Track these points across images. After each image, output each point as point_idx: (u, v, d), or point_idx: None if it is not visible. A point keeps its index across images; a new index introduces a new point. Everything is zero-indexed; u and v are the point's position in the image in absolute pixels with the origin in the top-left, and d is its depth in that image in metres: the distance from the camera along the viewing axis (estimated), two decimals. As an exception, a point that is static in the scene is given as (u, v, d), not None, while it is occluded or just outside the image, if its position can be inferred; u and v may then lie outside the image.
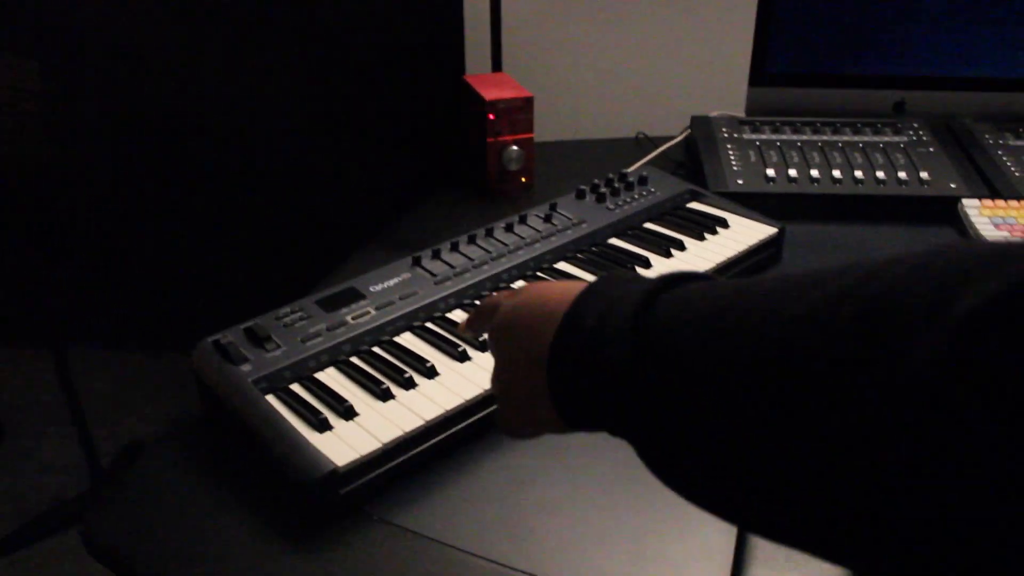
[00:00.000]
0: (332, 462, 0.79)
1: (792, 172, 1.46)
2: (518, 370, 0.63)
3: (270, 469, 0.84)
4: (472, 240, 1.14)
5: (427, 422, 0.86)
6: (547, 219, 1.21)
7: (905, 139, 1.55)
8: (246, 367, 0.91)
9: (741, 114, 1.66)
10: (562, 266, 1.15)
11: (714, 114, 1.65)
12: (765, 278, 0.46)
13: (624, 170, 1.37)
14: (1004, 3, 1.57)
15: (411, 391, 0.90)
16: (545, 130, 1.73)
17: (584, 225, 1.21)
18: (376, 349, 0.98)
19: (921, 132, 1.57)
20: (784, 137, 1.56)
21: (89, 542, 0.82)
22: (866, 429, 0.35)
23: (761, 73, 1.63)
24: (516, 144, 1.48)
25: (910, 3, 1.58)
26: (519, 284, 1.11)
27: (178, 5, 1.05)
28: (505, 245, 1.14)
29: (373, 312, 1.00)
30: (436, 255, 1.11)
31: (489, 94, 1.46)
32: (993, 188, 1.45)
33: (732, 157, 1.50)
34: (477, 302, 1.06)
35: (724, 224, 1.27)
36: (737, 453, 0.43)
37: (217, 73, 1.02)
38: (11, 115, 1.07)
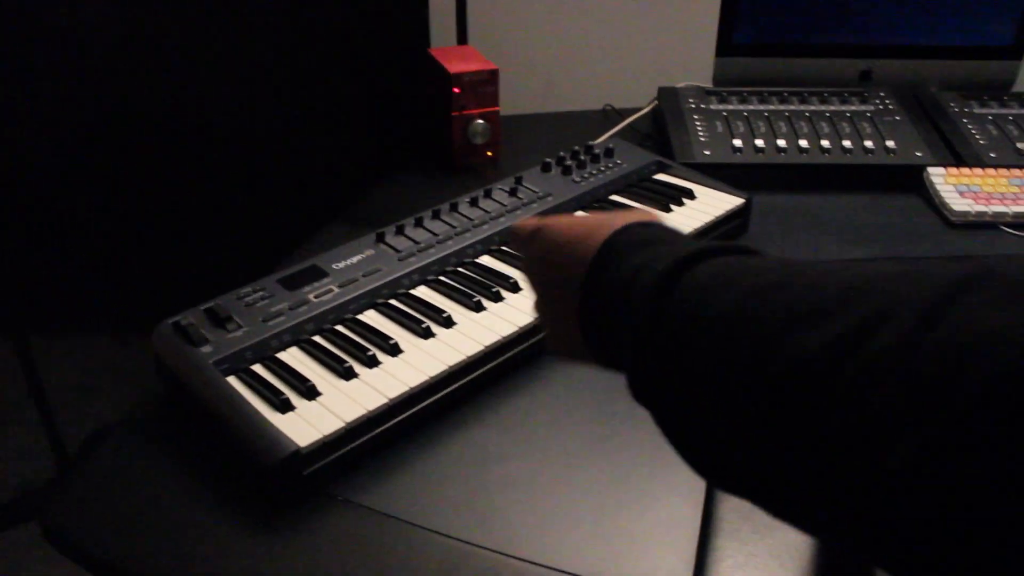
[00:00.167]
0: (294, 443, 0.78)
1: (759, 142, 1.45)
2: (554, 299, 0.63)
3: (232, 452, 0.83)
4: (436, 215, 1.13)
5: (390, 400, 0.85)
6: (512, 193, 1.20)
7: (871, 108, 1.55)
8: (207, 348, 0.89)
9: (708, 84, 1.65)
10: (528, 240, 1.14)
11: (681, 85, 1.64)
12: (804, 269, 0.44)
13: (590, 142, 1.36)
14: (969, -31, 1.57)
15: (374, 369, 0.89)
16: (511, 103, 1.71)
17: (550, 198, 1.20)
18: (339, 327, 0.96)
19: (887, 101, 1.57)
20: (751, 107, 1.55)
21: (49, 532, 0.81)
22: (868, 428, 0.35)
23: (728, 43, 1.62)
24: (481, 118, 1.47)
25: (875, -30, 1.58)
26: (485, 259, 1.09)
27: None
28: (470, 220, 1.13)
29: (336, 290, 0.99)
30: (400, 231, 1.09)
31: (453, 67, 1.44)
32: (958, 156, 1.45)
33: (699, 128, 1.49)
34: (442, 278, 1.05)
35: (691, 195, 1.26)
36: (736, 444, 0.43)
37: (173, 48, 1.00)
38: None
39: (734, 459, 0.44)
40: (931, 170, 1.40)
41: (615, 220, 0.59)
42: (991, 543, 0.32)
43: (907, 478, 0.34)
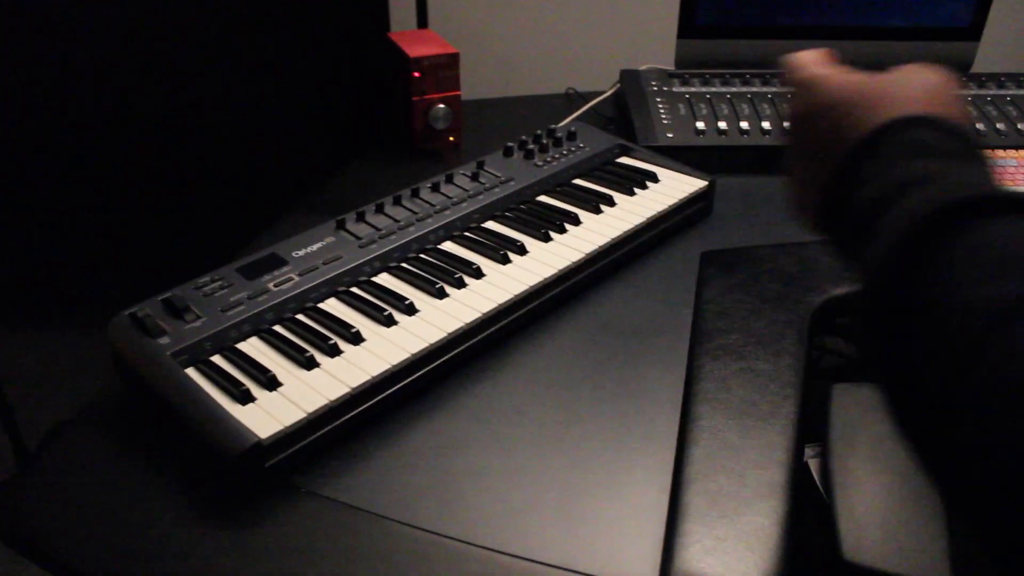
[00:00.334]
0: (255, 435, 0.77)
1: (722, 124, 1.45)
2: (809, 156, 0.60)
3: (192, 445, 0.82)
4: (397, 201, 1.11)
5: (353, 389, 0.83)
6: (474, 178, 1.19)
7: (833, 89, 1.55)
8: (164, 340, 0.87)
9: (671, 67, 1.65)
10: (490, 225, 1.13)
11: (643, 67, 1.63)
12: None
13: (553, 126, 1.35)
14: (928, -50, 1.57)
15: (336, 358, 0.88)
16: (474, 88, 1.70)
17: (512, 183, 1.19)
18: (300, 316, 0.95)
19: (849, 81, 1.57)
20: (714, 89, 1.55)
21: (3, 531, 0.79)
22: None
23: (690, 25, 1.61)
24: (443, 102, 1.45)
25: (836, -49, 1.58)
26: (447, 245, 1.08)
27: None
28: (431, 205, 1.11)
29: (296, 278, 0.97)
30: (361, 218, 1.08)
31: (413, 51, 1.42)
32: (920, 136, 1.46)
33: (662, 110, 1.49)
34: (404, 264, 1.04)
35: (654, 178, 1.26)
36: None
37: (128, 29, 0.97)
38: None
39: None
40: (893, 151, 1.41)
41: (901, 93, 0.54)
42: None
43: None
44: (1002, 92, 1.56)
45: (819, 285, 1.09)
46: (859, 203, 0.52)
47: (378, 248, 1.03)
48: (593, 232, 1.11)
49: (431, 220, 1.09)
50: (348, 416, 0.84)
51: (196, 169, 1.10)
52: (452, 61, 1.44)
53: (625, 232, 1.12)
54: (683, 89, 1.55)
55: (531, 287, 1.00)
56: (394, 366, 0.87)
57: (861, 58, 1.63)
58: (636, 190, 1.22)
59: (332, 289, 0.98)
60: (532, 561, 0.73)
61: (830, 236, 0.57)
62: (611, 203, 1.18)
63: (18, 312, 1.11)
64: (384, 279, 1.02)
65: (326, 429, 0.82)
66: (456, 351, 0.93)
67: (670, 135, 1.43)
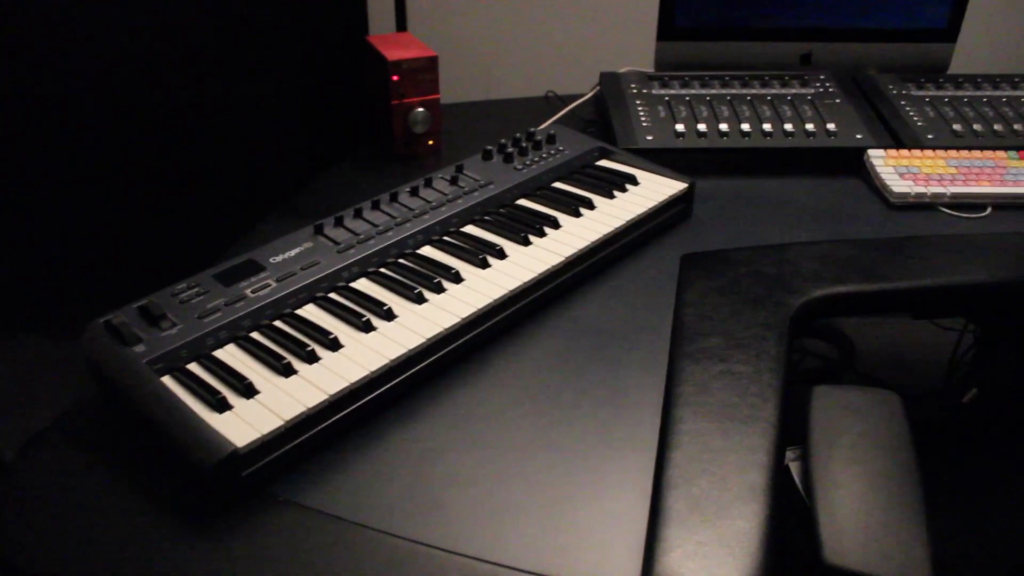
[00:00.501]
0: (232, 443, 0.76)
1: (701, 127, 1.45)
2: None
3: (169, 454, 0.81)
4: (376, 206, 1.11)
5: (331, 396, 0.83)
6: (453, 181, 1.18)
7: (812, 91, 1.56)
8: (140, 348, 0.86)
9: (650, 69, 1.65)
10: (469, 229, 1.13)
11: (623, 70, 1.63)
12: None
13: (532, 129, 1.34)
14: (905, -48, 1.58)
15: (314, 365, 0.87)
16: (453, 91, 1.70)
17: (491, 186, 1.18)
18: (277, 323, 0.94)
19: (827, 84, 1.58)
20: (693, 91, 1.55)
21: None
22: None
23: (669, 27, 1.61)
24: (422, 106, 1.45)
25: (813, -47, 1.58)
26: (427, 250, 1.08)
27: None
28: (410, 209, 1.11)
29: (274, 284, 0.96)
30: (339, 222, 1.07)
31: (392, 54, 1.42)
32: (897, 138, 1.47)
33: (641, 113, 1.49)
34: (383, 270, 1.03)
35: (634, 181, 1.25)
36: None
37: (105, 33, 0.96)
38: None
39: None
40: (871, 152, 1.41)
41: None
42: None
43: None
44: (979, 93, 1.57)
45: (799, 287, 1.09)
46: None
47: (356, 253, 1.02)
48: (573, 235, 1.10)
49: (410, 225, 1.08)
50: (326, 423, 0.83)
51: (172, 175, 1.09)
52: (431, 64, 1.43)
53: (605, 235, 1.11)
54: (662, 91, 1.55)
55: (511, 291, 0.99)
56: (373, 372, 0.86)
57: (840, 61, 1.64)
58: (616, 193, 1.22)
59: (310, 295, 0.98)
60: (513, 568, 0.73)
61: None
62: (591, 206, 1.18)
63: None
64: (362, 284, 1.01)
65: (304, 437, 0.82)
66: (435, 356, 0.93)
67: (650, 138, 1.43)
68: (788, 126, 1.45)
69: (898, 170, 1.37)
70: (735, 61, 1.64)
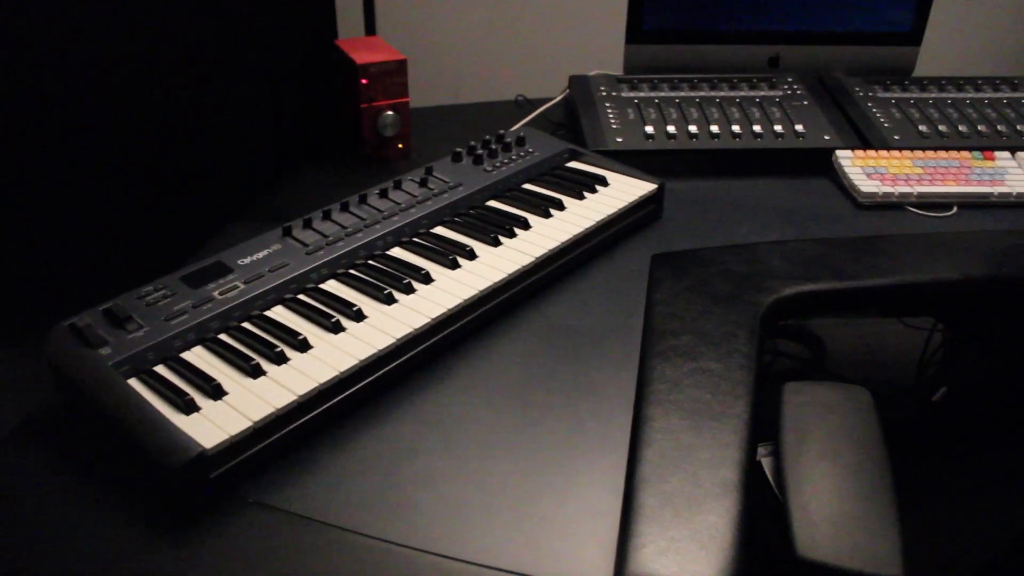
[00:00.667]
0: (199, 445, 0.75)
1: (671, 128, 1.45)
2: None
3: (136, 457, 0.79)
4: (345, 208, 1.10)
5: (300, 397, 0.82)
6: (423, 183, 1.18)
7: (780, 93, 1.57)
8: (105, 350, 0.85)
9: (619, 72, 1.65)
10: (439, 230, 1.12)
11: (592, 73, 1.63)
12: None
13: (502, 131, 1.34)
14: (870, -45, 1.60)
15: (283, 366, 0.86)
16: (423, 96, 1.69)
17: (461, 188, 1.18)
18: (246, 324, 0.93)
19: (795, 86, 1.59)
20: (662, 94, 1.55)
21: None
22: None
23: (637, 31, 1.62)
24: (391, 109, 1.44)
25: (780, -43, 1.60)
26: (396, 251, 1.07)
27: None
28: (380, 211, 1.10)
29: (242, 286, 0.95)
30: (308, 224, 1.06)
31: (360, 58, 1.41)
32: (864, 139, 1.48)
33: (611, 115, 1.49)
34: (352, 271, 1.02)
35: (604, 182, 1.25)
36: None
37: (68, 32, 0.95)
38: None
39: None
40: (839, 153, 1.42)
41: None
42: None
43: None
44: (943, 95, 1.58)
45: (769, 285, 1.09)
46: None
47: (325, 255, 1.01)
48: (543, 236, 1.10)
49: (379, 226, 1.08)
50: (296, 424, 0.82)
51: (139, 176, 1.08)
52: (400, 68, 1.43)
53: (575, 236, 1.11)
54: (632, 94, 1.55)
55: (481, 292, 0.99)
56: (342, 373, 0.85)
57: (807, 64, 1.65)
58: (586, 194, 1.22)
59: (279, 296, 0.97)
60: (485, 567, 0.72)
61: None
62: (561, 207, 1.18)
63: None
64: (332, 286, 1.00)
65: (273, 438, 0.81)
66: (405, 357, 0.92)
67: (619, 140, 1.43)
68: (757, 128, 1.46)
69: (866, 170, 1.38)
70: (703, 64, 1.65)
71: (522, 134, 1.33)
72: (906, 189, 1.34)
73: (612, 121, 1.47)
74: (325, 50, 1.51)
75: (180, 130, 1.14)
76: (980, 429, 2.03)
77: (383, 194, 1.14)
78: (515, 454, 0.84)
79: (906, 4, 1.63)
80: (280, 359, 0.86)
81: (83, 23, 0.96)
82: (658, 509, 0.77)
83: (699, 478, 0.80)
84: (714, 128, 1.45)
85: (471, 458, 0.83)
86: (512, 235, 1.10)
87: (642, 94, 1.55)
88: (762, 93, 1.56)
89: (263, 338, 0.90)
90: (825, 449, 0.88)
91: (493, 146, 1.28)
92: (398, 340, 0.90)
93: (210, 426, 0.78)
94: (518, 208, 1.17)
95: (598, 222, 1.15)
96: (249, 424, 0.78)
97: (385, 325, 0.92)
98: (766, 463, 0.92)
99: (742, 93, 1.56)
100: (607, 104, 1.52)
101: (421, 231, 1.11)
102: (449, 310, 0.96)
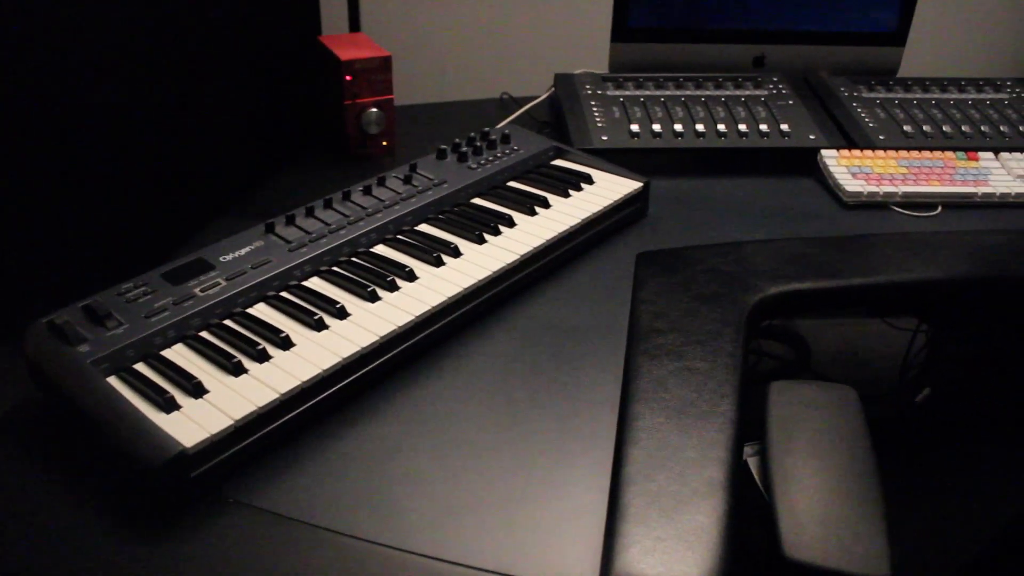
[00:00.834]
0: (179, 443, 0.74)
1: (656, 127, 1.45)
2: None
3: (115, 456, 0.78)
4: (328, 204, 1.09)
5: (282, 395, 0.81)
6: (407, 180, 1.17)
7: (765, 93, 1.57)
8: (84, 348, 0.84)
9: (605, 71, 1.65)
10: (424, 228, 1.11)
11: (577, 71, 1.63)
12: None
13: (486, 129, 1.33)
14: (855, -45, 1.60)
15: (265, 364, 0.85)
16: (408, 93, 1.68)
17: (445, 185, 1.17)
18: (227, 322, 0.92)
19: (781, 86, 1.59)
20: (647, 93, 1.55)
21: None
22: None
23: (623, 29, 1.61)
24: (375, 106, 1.43)
25: (765, -44, 1.60)
26: (380, 248, 1.06)
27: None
28: (363, 208, 1.09)
29: (223, 283, 0.94)
30: (291, 221, 1.05)
31: (344, 54, 1.40)
32: (849, 139, 1.48)
33: (596, 114, 1.49)
34: (335, 268, 1.01)
35: (589, 180, 1.25)
36: None
37: (50, 28, 0.94)
38: None
39: None
40: (824, 152, 1.42)
41: None
42: None
43: None
44: (927, 96, 1.59)
45: (754, 284, 1.09)
46: None
47: (308, 252, 1.00)
48: (528, 234, 1.10)
49: (363, 223, 1.07)
50: (278, 423, 0.81)
51: (120, 172, 1.07)
52: (384, 64, 1.42)
53: (560, 234, 1.11)
54: (617, 93, 1.55)
55: (465, 289, 0.98)
56: (325, 371, 0.84)
57: (793, 63, 1.65)
58: (571, 192, 1.21)
59: (261, 294, 0.96)
60: (470, 567, 0.71)
61: None
62: (546, 205, 1.17)
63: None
64: (315, 283, 0.99)
65: (255, 437, 0.80)
66: (389, 355, 0.91)
67: (605, 138, 1.43)
68: (742, 127, 1.46)
69: (851, 170, 1.38)
70: (689, 63, 1.65)
71: (507, 132, 1.33)
72: (891, 189, 1.34)
73: (597, 119, 1.47)
74: (309, 46, 1.50)
75: (161, 126, 1.13)
76: (963, 429, 2.04)
77: (367, 191, 1.13)
78: (500, 453, 0.83)
79: (891, 5, 1.63)
80: (262, 357, 0.85)
81: (62, 20, 0.95)
82: (644, 509, 0.76)
83: (685, 477, 0.79)
84: (699, 127, 1.45)
85: (455, 457, 0.82)
86: (497, 233, 1.09)
87: (627, 92, 1.55)
88: (747, 92, 1.56)
89: (245, 336, 0.88)
90: (812, 448, 0.88)
91: (478, 143, 1.28)
92: (382, 338, 0.89)
93: (191, 425, 0.77)
94: (503, 206, 1.17)
95: (583, 220, 1.14)
96: (231, 422, 0.77)
97: (369, 323, 0.91)
98: (752, 463, 0.92)
99: (727, 92, 1.56)
100: (592, 102, 1.52)
101: (405, 228, 1.10)
102: (433, 308, 0.95)
